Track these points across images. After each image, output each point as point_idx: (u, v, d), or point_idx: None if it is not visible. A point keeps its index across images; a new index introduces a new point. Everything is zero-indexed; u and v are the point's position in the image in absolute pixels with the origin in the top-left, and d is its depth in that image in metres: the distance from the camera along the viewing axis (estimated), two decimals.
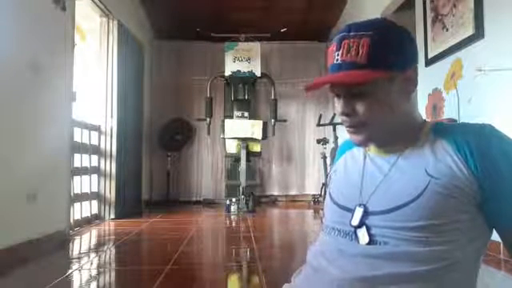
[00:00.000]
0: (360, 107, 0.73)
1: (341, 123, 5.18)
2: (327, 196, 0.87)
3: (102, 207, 4.01)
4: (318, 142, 5.44)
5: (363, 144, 0.79)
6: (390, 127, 0.76)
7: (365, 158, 0.82)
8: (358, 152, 0.86)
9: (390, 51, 0.72)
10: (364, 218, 0.73)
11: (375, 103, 0.73)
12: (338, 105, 0.77)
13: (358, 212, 0.74)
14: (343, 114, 0.76)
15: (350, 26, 0.74)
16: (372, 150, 0.82)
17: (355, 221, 0.74)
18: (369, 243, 0.70)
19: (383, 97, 0.73)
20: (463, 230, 0.69)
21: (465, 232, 0.69)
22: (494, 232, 0.73)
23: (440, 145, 0.73)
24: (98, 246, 2.94)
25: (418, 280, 0.66)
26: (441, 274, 0.67)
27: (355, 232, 0.73)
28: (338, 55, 0.73)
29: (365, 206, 0.74)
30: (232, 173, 5.43)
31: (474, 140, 0.69)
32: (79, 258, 2.52)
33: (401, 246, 0.68)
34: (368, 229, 0.71)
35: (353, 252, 0.71)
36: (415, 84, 0.76)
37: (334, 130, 5.10)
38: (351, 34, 0.73)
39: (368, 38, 0.71)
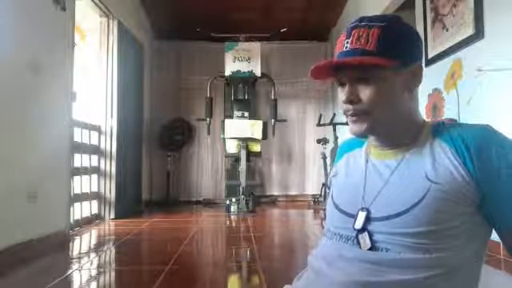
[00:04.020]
0: (365, 94, 0.74)
1: (341, 123, 5.16)
2: (329, 200, 0.86)
3: (102, 207, 4.01)
4: (318, 141, 5.43)
5: (365, 133, 0.78)
6: (392, 121, 0.76)
7: (367, 161, 0.82)
8: (359, 155, 0.86)
9: (399, 42, 0.74)
10: (366, 224, 0.73)
11: (380, 91, 0.73)
12: (342, 93, 0.77)
13: (361, 216, 0.74)
14: (347, 100, 0.75)
15: (362, 17, 0.76)
16: (373, 153, 0.82)
17: (358, 224, 0.73)
18: (370, 249, 0.70)
19: (388, 86, 0.74)
20: (463, 233, 0.69)
21: (464, 235, 0.69)
22: (494, 232, 0.73)
23: (439, 147, 0.72)
24: (98, 246, 2.94)
25: (418, 287, 0.66)
26: (441, 280, 0.66)
27: (357, 237, 0.73)
28: (347, 43, 0.75)
29: (367, 209, 0.74)
30: (232, 173, 5.42)
31: (472, 142, 0.69)
32: (79, 258, 2.52)
33: (402, 253, 0.68)
34: (370, 234, 0.71)
35: (354, 257, 0.71)
36: (419, 80, 0.77)
37: (334, 129, 5.09)
38: (362, 23, 0.74)
39: (379, 29, 0.73)
